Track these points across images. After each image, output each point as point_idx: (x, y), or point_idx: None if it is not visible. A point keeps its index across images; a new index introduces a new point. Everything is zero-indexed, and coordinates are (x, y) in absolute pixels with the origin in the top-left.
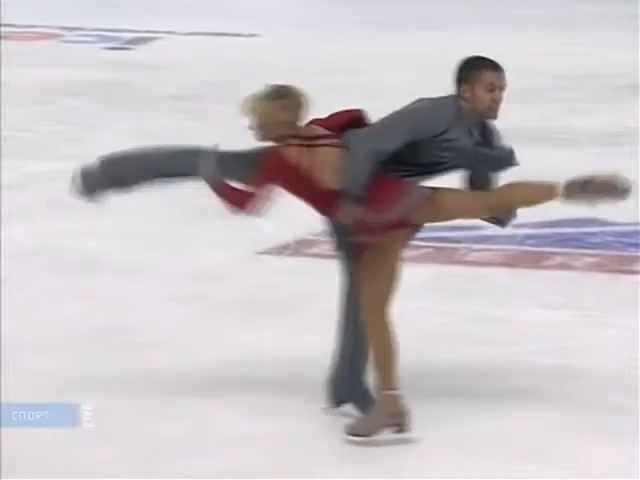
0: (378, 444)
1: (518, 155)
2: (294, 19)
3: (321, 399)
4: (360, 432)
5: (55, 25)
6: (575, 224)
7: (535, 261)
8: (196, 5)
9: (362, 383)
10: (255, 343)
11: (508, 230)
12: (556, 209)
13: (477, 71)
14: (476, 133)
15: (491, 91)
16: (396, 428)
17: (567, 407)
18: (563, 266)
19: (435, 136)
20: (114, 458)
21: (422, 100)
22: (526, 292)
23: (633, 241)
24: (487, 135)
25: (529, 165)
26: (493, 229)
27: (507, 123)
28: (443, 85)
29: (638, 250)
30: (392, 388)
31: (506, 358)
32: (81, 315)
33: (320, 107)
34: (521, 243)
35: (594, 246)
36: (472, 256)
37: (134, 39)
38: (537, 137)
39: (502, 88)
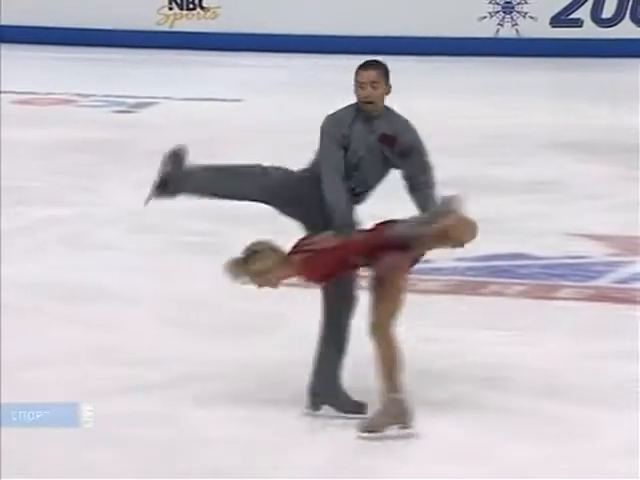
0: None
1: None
2: (275, 86)
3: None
4: (371, 429)
5: (71, 92)
6: (506, 258)
7: (473, 289)
8: (190, 75)
9: (339, 386)
10: (238, 359)
11: (451, 263)
12: (490, 246)
13: (355, 73)
14: (378, 129)
15: (362, 88)
16: (400, 425)
17: (501, 412)
18: (497, 293)
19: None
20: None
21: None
22: (466, 315)
23: (554, 272)
24: (404, 150)
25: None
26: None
27: (445, 174)
28: None
29: (559, 280)
30: (397, 391)
31: (451, 370)
32: (82, 336)
33: (293, 159)
34: (462, 274)
35: (522, 276)
36: (421, 285)
37: (138, 104)
38: (469, 185)
39: (373, 83)
